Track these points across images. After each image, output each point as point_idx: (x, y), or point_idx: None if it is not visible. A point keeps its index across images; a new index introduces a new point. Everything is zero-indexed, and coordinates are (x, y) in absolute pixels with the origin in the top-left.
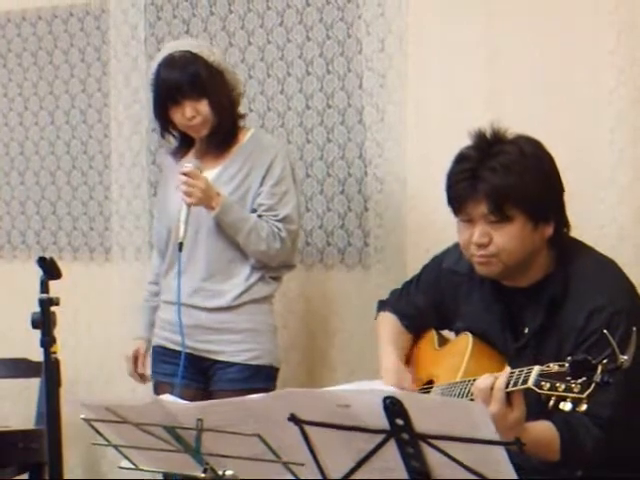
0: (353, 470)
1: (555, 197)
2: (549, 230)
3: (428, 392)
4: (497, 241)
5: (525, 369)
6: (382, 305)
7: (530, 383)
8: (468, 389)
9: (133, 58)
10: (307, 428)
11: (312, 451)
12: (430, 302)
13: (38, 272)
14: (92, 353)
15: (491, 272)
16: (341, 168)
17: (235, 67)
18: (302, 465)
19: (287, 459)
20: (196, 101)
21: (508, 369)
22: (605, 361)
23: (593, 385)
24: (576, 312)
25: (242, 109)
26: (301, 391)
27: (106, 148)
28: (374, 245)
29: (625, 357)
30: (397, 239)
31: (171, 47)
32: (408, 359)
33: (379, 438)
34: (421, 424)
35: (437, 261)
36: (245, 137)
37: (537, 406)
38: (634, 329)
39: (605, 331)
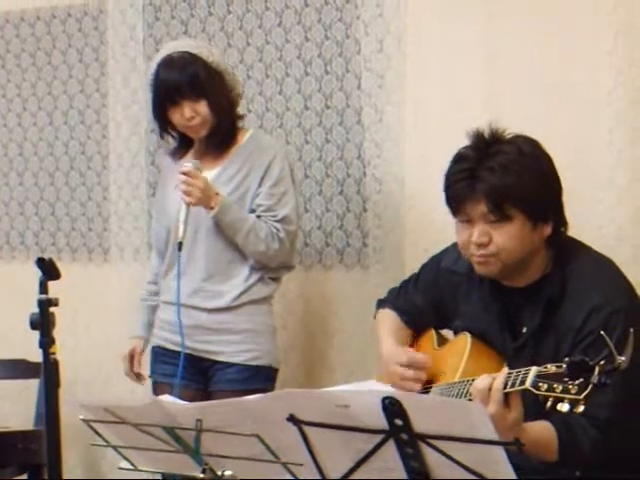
0: (352, 470)
1: (554, 197)
2: (548, 230)
3: (427, 392)
4: (497, 240)
5: (523, 370)
6: (381, 303)
7: (528, 384)
8: (466, 389)
9: (131, 59)
10: (306, 428)
11: (311, 451)
12: (429, 301)
13: (37, 273)
14: (91, 354)
15: (490, 272)
16: (340, 169)
17: (233, 68)
18: (301, 465)
19: (286, 459)
20: (195, 102)
21: (506, 370)
22: (602, 362)
23: (590, 386)
24: (574, 312)
25: (241, 110)
26: (300, 391)
27: (104, 149)
28: (373, 245)
29: (622, 358)
30: (396, 239)
31: (170, 48)
32: None
33: (378, 438)
34: (420, 424)
35: (436, 261)
36: (244, 138)
37: (535, 407)
38: (631, 330)
39: (602, 332)
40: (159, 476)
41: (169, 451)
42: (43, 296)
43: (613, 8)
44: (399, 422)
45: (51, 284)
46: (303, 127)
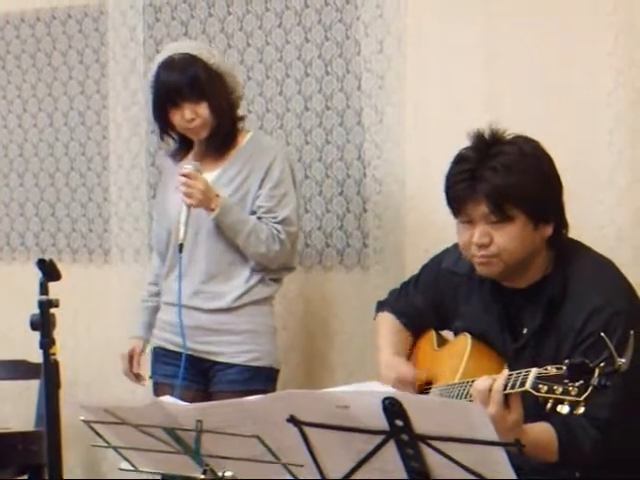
0: (352, 471)
1: (555, 197)
2: (549, 230)
3: (427, 393)
4: (498, 241)
5: (523, 371)
6: (380, 305)
7: (528, 386)
8: (467, 391)
9: (132, 60)
10: (306, 429)
11: (311, 452)
12: (429, 302)
13: (37, 274)
14: (91, 355)
15: (492, 272)
16: (340, 169)
17: (234, 68)
18: (301, 466)
19: (286, 460)
20: (195, 103)
21: (506, 371)
22: (603, 364)
23: (590, 388)
24: (575, 313)
25: (241, 111)
26: (300, 392)
27: (105, 150)
28: (373, 246)
29: (623, 360)
30: (396, 240)
31: (170, 49)
32: (407, 359)
33: (378, 439)
34: (420, 425)
35: (436, 261)
36: (244, 139)
37: (535, 408)
38: (632, 332)
39: (603, 334)
40: (159, 477)
41: (169, 452)
42: (43, 297)
43: (613, 9)
44: (399, 423)
45: (51, 285)
46: (303, 128)
